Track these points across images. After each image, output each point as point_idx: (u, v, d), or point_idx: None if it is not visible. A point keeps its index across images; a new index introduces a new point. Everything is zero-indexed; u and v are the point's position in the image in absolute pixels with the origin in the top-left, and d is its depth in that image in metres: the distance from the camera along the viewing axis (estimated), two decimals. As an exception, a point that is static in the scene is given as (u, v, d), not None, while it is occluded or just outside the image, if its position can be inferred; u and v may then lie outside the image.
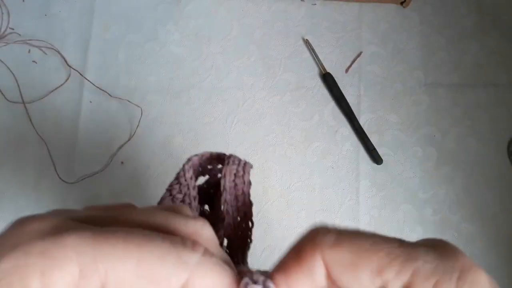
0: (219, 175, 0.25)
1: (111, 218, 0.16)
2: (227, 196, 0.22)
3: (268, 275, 0.16)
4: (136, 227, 0.15)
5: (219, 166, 0.25)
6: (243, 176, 0.23)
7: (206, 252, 0.15)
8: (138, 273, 0.14)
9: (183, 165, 0.23)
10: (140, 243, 0.14)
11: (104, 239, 0.14)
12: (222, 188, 0.22)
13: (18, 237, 0.14)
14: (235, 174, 0.23)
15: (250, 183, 0.23)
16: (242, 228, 0.24)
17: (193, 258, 0.15)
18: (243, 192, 0.23)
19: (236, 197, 0.23)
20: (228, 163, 0.23)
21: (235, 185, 0.22)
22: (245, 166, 0.23)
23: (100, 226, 0.15)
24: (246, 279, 0.15)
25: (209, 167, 0.25)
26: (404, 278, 0.15)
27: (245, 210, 0.23)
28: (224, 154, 0.24)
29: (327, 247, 0.16)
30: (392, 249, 0.15)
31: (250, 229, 0.24)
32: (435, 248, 0.16)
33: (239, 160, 0.23)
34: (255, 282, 0.16)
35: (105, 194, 0.56)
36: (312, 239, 0.17)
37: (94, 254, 0.14)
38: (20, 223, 0.15)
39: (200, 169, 0.25)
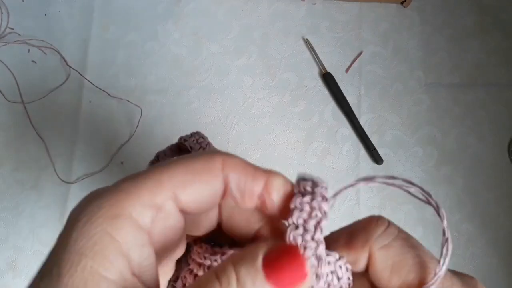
0: None
1: None
2: None
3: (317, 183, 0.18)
4: None
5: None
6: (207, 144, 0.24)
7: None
8: (189, 170, 0.16)
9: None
10: (176, 159, 0.17)
11: (150, 170, 0.17)
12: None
13: (93, 198, 0.16)
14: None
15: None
16: None
17: (219, 151, 0.18)
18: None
19: None
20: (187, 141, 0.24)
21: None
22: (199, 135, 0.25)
23: None
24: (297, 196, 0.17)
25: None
26: None
27: None
28: (179, 141, 0.25)
29: (377, 246, 0.18)
30: (429, 269, 0.18)
31: None
32: (463, 278, 0.19)
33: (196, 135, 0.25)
34: (303, 194, 0.17)
35: (105, 194, 0.56)
36: (368, 233, 0.19)
37: (153, 176, 0.16)
38: (89, 194, 0.17)
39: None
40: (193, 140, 0.24)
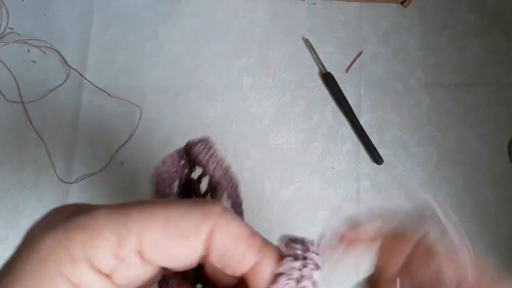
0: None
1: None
2: (213, 172, 0.23)
3: (308, 245, 0.16)
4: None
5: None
6: (214, 151, 0.23)
7: (225, 207, 0.16)
8: (167, 230, 0.15)
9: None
10: (164, 204, 0.15)
11: (131, 206, 0.15)
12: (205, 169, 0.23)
13: (55, 219, 0.15)
14: (208, 155, 0.23)
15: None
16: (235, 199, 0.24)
17: (215, 209, 0.15)
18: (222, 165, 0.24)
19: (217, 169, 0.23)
20: (196, 149, 0.23)
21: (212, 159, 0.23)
22: (209, 143, 0.24)
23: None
24: (288, 258, 0.15)
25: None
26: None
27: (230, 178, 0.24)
28: (186, 146, 0.25)
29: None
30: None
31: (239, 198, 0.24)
32: None
33: (203, 141, 0.24)
34: (295, 258, 0.15)
35: (104, 194, 0.56)
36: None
37: (125, 219, 0.15)
38: (54, 210, 0.16)
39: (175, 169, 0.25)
40: (201, 145, 0.23)
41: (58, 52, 0.59)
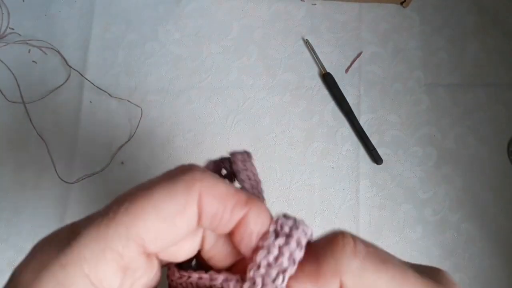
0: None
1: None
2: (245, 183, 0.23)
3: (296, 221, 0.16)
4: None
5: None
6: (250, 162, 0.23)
7: (203, 169, 0.16)
8: (160, 219, 0.15)
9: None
10: (146, 192, 0.15)
11: (116, 212, 0.15)
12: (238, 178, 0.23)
13: (43, 255, 0.14)
14: (243, 164, 0.23)
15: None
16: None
17: (195, 175, 0.16)
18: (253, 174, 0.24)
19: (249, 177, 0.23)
20: (234, 161, 0.23)
21: (246, 169, 0.23)
22: (248, 155, 0.24)
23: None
24: (280, 217, 0.16)
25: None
26: None
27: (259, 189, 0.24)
28: (224, 157, 0.25)
29: (350, 275, 0.15)
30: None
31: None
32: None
33: (240, 153, 0.24)
34: (277, 234, 0.15)
35: (105, 194, 0.56)
36: (336, 260, 0.15)
37: (116, 228, 0.14)
38: (38, 245, 0.15)
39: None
40: (239, 155, 0.23)
41: (59, 52, 0.59)
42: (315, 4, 0.62)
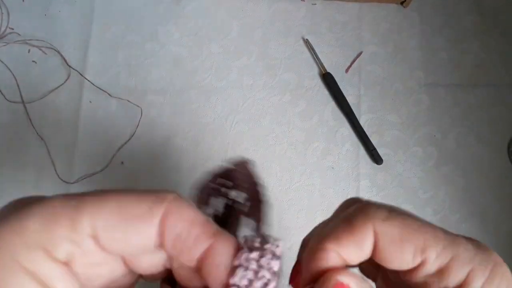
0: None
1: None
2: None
3: (267, 239, 0.16)
4: None
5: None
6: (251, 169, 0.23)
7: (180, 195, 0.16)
8: (120, 214, 0.15)
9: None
10: (117, 191, 0.15)
11: (84, 193, 0.15)
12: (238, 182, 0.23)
13: (8, 210, 0.15)
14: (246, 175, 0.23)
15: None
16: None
17: (168, 195, 0.16)
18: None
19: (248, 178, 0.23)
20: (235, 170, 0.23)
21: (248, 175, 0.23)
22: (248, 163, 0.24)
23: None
24: (244, 250, 0.15)
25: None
26: (444, 260, 0.17)
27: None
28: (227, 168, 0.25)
29: (379, 221, 0.17)
30: (437, 233, 0.18)
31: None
32: (473, 242, 0.18)
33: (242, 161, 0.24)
34: (250, 250, 0.15)
35: (105, 194, 0.56)
36: (366, 212, 0.17)
37: (78, 205, 0.15)
38: (7, 204, 0.16)
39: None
40: (239, 163, 0.23)
41: (59, 52, 0.59)
42: (315, 4, 0.62)
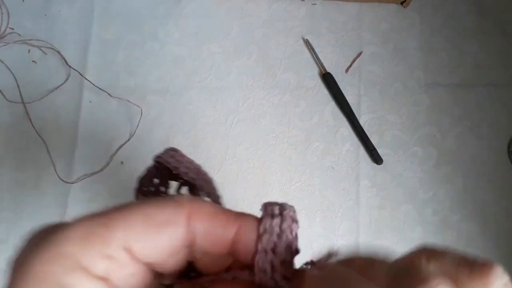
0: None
1: None
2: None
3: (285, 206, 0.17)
4: None
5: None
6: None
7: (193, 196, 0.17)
8: (148, 223, 0.16)
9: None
10: (140, 203, 0.17)
11: (109, 210, 0.16)
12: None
13: (37, 241, 0.16)
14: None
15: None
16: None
17: (185, 198, 0.17)
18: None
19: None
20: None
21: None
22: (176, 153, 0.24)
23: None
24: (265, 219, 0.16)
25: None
26: None
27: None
28: (156, 159, 0.25)
29: None
30: None
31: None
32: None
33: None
34: (272, 217, 0.16)
35: (105, 194, 0.56)
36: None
37: (106, 222, 0.15)
38: (31, 236, 0.17)
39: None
40: (168, 154, 0.24)
41: (59, 52, 0.59)
42: (315, 4, 0.62)
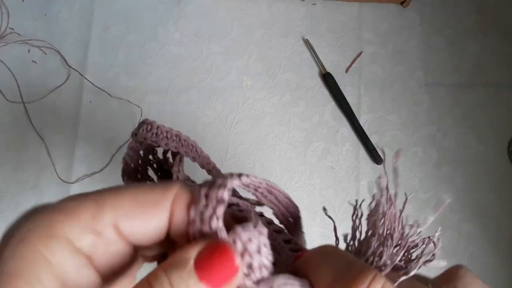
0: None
1: None
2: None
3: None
4: None
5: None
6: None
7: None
8: (138, 202, 0.16)
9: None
10: (131, 185, 0.17)
11: (101, 189, 0.17)
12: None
13: (30, 213, 0.16)
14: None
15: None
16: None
17: (175, 183, 0.17)
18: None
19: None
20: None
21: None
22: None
23: None
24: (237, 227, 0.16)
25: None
26: None
27: None
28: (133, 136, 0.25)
29: None
30: None
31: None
32: None
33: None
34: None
35: (105, 194, 0.56)
36: None
37: (98, 198, 0.16)
38: (27, 211, 0.17)
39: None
40: (143, 130, 0.25)
41: (59, 52, 0.59)
42: (315, 4, 0.62)
